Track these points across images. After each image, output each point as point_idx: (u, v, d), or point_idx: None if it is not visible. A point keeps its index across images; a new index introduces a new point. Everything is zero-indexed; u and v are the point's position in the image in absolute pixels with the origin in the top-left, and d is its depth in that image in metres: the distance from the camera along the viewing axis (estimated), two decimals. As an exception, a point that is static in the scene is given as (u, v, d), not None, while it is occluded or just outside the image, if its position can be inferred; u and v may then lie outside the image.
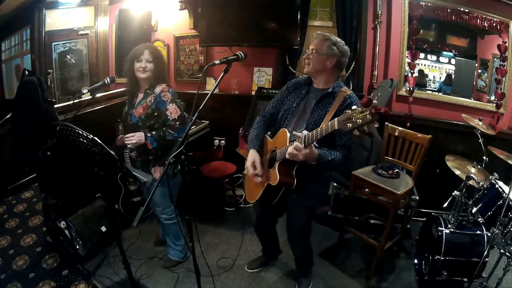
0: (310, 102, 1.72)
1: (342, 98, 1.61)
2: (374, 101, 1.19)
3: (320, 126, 1.43)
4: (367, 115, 1.19)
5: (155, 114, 1.97)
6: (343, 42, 1.67)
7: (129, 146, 1.96)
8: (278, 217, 2.15)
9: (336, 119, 1.32)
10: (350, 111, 1.25)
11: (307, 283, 2.18)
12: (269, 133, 1.89)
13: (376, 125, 1.21)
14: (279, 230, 2.26)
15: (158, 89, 1.98)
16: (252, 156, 1.77)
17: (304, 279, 2.19)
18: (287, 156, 1.51)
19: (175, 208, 1.73)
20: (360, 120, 1.20)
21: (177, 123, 1.97)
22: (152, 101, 1.97)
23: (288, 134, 1.61)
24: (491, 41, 2.74)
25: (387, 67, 2.97)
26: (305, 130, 1.55)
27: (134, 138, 1.92)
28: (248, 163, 1.78)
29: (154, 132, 1.95)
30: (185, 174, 1.59)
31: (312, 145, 1.50)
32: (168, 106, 1.96)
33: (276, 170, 1.62)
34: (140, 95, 2.04)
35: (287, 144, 1.57)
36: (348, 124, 1.24)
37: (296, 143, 1.47)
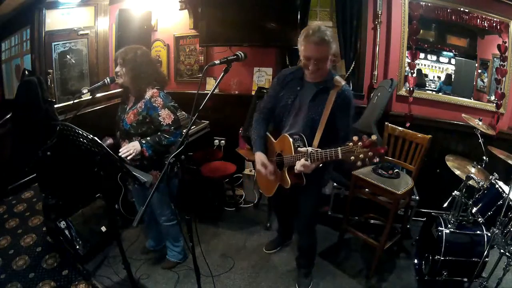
0: (305, 98, 1.73)
1: (336, 93, 1.65)
2: (374, 138, 1.32)
3: (325, 151, 1.49)
4: (369, 153, 1.33)
5: (147, 120, 1.89)
6: (326, 27, 1.63)
7: (128, 159, 1.81)
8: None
9: (339, 149, 1.42)
10: (351, 144, 1.36)
11: (307, 283, 2.18)
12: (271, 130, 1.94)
13: (376, 160, 1.34)
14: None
15: (148, 94, 1.89)
16: (259, 158, 1.84)
17: (304, 279, 2.19)
18: (296, 171, 1.62)
19: (175, 211, 1.72)
20: (362, 155, 1.34)
21: (172, 128, 1.88)
22: (143, 107, 1.88)
23: (291, 140, 1.68)
24: (491, 41, 2.73)
25: (387, 67, 2.96)
26: (310, 147, 1.62)
27: (130, 149, 1.80)
28: (258, 166, 1.85)
29: (148, 138, 1.85)
30: (182, 176, 1.57)
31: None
32: (160, 112, 1.86)
33: (286, 175, 1.72)
34: (132, 100, 1.97)
35: (293, 153, 1.65)
36: (351, 157, 1.37)
37: (303, 161, 1.57)
